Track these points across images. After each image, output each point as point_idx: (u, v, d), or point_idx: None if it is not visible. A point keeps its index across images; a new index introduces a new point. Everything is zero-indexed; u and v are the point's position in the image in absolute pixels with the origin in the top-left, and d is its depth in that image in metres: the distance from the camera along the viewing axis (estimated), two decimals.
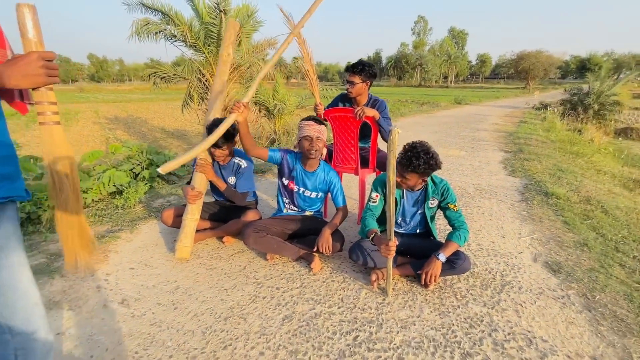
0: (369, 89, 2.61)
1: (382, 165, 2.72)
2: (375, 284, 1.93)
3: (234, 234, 2.44)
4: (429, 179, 1.97)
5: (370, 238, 1.91)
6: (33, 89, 0.92)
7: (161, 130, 14.60)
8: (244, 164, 2.36)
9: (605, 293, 1.93)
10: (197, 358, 1.46)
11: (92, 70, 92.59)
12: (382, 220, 2.10)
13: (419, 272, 1.94)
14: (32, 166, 3.12)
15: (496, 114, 13.62)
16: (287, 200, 2.38)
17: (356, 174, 2.73)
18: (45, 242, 2.45)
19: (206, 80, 6.02)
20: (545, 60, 48.27)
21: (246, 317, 1.70)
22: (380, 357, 1.48)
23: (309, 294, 1.90)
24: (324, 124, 2.21)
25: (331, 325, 1.66)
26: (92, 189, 3.27)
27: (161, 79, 6.28)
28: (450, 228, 2.03)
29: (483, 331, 1.63)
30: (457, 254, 1.92)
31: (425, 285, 1.93)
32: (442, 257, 1.86)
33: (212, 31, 5.74)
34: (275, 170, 2.33)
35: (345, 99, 2.71)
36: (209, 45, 5.92)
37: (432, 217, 2.09)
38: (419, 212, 2.06)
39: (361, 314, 1.74)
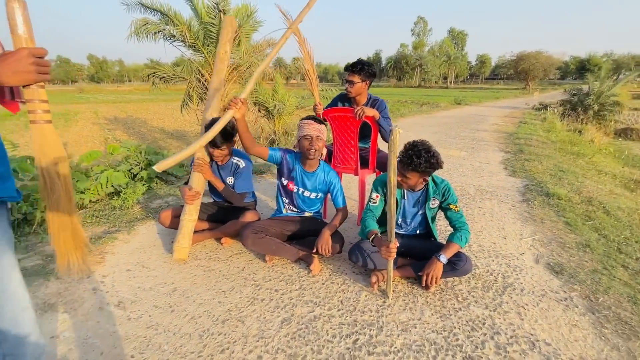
0: (368, 88, 2.58)
1: (382, 165, 2.70)
2: (375, 286, 1.90)
3: (233, 235, 2.41)
4: (429, 179, 1.94)
5: (371, 239, 1.88)
6: (24, 87, 0.90)
7: (160, 131, 14.57)
8: (242, 163, 2.33)
9: (609, 295, 1.91)
10: None
11: (92, 71, 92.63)
12: (382, 221, 2.07)
13: (419, 273, 1.92)
14: (28, 166, 3.09)
15: (496, 115, 13.60)
16: (286, 201, 2.35)
17: (356, 174, 2.70)
18: (41, 243, 2.42)
19: (205, 81, 5.99)
20: (544, 60, 48.30)
21: (244, 320, 1.67)
22: None
23: (308, 296, 1.87)
24: (323, 123, 2.19)
25: (331, 328, 1.63)
26: (89, 189, 3.24)
27: (160, 79, 6.26)
28: (451, 229, 2.00)
29: (485, 334, 1.60)
30: (458, 256, 1.89)
31: (426, 287, 1.91)
32: (444, 258, 1.83)
33: (211, 31, 5.72)
34: (275, 170, 2.31)
35: (345, 99, 2.69)
36: (208, 46, 5.90)
37: (433, 218, 2.06)
38: (420, 212, 2.03)
39: (361, 316, 1.71)
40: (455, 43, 72.92)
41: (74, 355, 1.45)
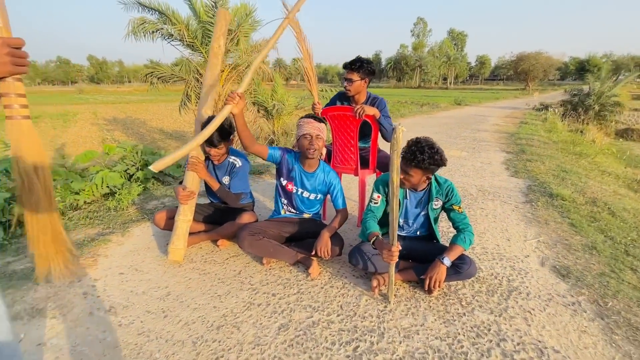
0: (367, 86, 2.52)
1: (382, 165, 2.63)
2: (376, 290, 1.83)
3: (229, 237, 2.35)
4: (432, 179, 1.88)
5: (372, 242, 1.82)
6: None
7: (159, 132, 14.51)
8: (239, 163, 2.26)
9: (618, 299, 1.84)
10: None
11: (91, 71, 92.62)
12: (383, 222, 2.01)
13: (422, 277, 1.85)
14: None
15: (496, 115, 13.55)
16: (285, 202, 2.29)
17: (356, 174, 2.64)
18: None
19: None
20: (544, 61, 48.31)
21: (240, 326, 1.61)
22: None
23: (306, 300, 1.80)
24: (323, 122, 2.13)
25: (330, 334, 1.56)
26: (84, 190, 3.17)
27: (158, 79, 6.20)
28: (454, 231, 1.94)
29: (491, 341, 1.54)
30: (462, 258, 1.83)
31: (429, 291, 1.84)
32: (447, 261, 1.76)
33: (209, 30, 5.66)
34: (273, 171, 2.25)
35: (343, 98, 2.62)
36: (206, 45, 5.83)
37: (436, 219, 2.00)
38: (422, 213, 1.97)
39: (361, 322, 1.65)
40: (455, 44, 72.92)
41: None
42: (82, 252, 2.25)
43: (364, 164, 2.64)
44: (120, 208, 3.00)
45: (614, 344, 1.53)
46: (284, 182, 2.22)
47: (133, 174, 3.68)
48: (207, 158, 2.28)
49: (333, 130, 2.58)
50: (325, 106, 2.61)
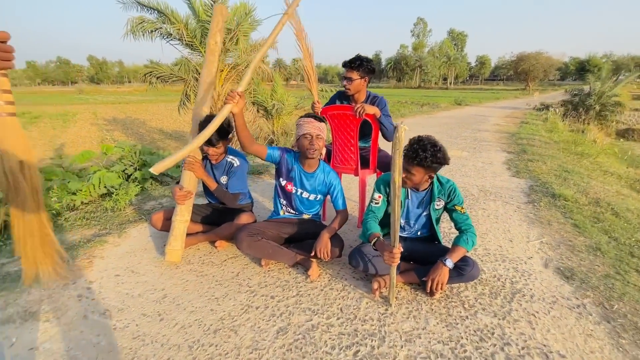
0: (367, 85, 2.48)
1: (383, 165, 2.60)
2: (377, 293, 1.79)
3: (228, 238, 2.31)
4: (434, 179, 1.84)
5: (372, 243, 1.78)
6: None
7: (159, 132, 14.48)
8: (236, 162, 2.23)
9: (624, 302, 1.80)
10: None
11: (91, 72, 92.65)
12: (384, 223, 1.97)
13: (424, 279, 1.81)
14: None
15: (497, 115, 13.51)
16: (284, 203, 2.25)
17: (356, 174, 2.60)
18: None
19: None
20: (544, 61, 48.28)
21: (237, 330, 1.57)
22: None
23: (305, 303, 1.77)
24: (323, 121, 2.09)
25: (329, 338, 1.53)
26: (81, 190, 3.14)
27: (157, 78, 6.16)
28: (455, 231, 1.90)
29: (495, 345, 1.50)
30: (464, 260, 1.79)
31: (431, 294, 1.80)
32: (450, 263, 1.72)
33: (208, 29, 5.62)
34: (273, 171, 2.21)
35: (343, 97, 2.58)
36: (205, 44, 5.80)
37: (438, 220, 1.96)
38: (424, 214, 1.93)
39: (362, 325, 1.61)
40: (455, 44, 72.92)
41: None
42: (77, 253, 2.21)
43: (364, 163, 2.60)
44: (117, 208, 2.96)
45: (621, 348, 1.50)
46: (283, 183, 2.18)
47: (131, 174, 3.65)
48: (205, 157, 2.24)
49: (333, 130, 2.55)
50: (325, 105, 2.57)
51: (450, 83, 69.56)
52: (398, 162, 1.38)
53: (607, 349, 1.49)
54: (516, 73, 51.37)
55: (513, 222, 2.86)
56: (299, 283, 1.94)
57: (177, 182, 2.18)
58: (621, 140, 11.90)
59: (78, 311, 1.69)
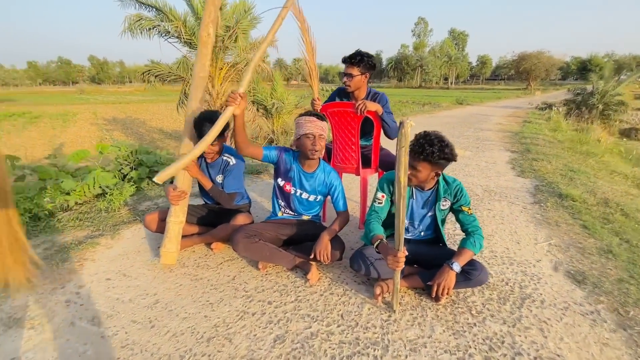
0: (367, 81, 2.39)
1: (385, 164, 2.51)
2: (379, 298, 1.70)
3: (224, 240, 2.22)
4: (440, 178, 1.76)
5: (375, 245, 1.69)
6: None
7: (159, 131, 14.42)
8: (232, 160, 2.14)
9: None
10: None
11: (92, 72, 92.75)
12: (387, 223, 1.88)
13: (429, 283, 1.72)
14: (8, 167, 2.90)
15: (499, 114, 13.40)
16: (282, 204, 2.16)
17: (357, 174, 2.51)
18: None
19: None
20: (546, 61, 48.07)
21: (232, 338, 1.48)
22: None
23: (304, 309, 1.68)
24: (324, 119, 2.00)
25: (329, 347, 1.44)
26: (75, 190, 3.05)
27: (156, 77, 6.08)
28: (460, 233, 1.81)
29: (505, 355, 1.41)
30: (472, 264, 1.70)
31: (436, 299, 1.71)
32: (457, 266, 1.63)
33: None
34: (272, 170, 2.13)
35: (343, 94, 2.50)
36: None
37: (443, 221, 1.87)
38: (429, 214, 1.84)
39: (364, 333, 1.52)
40: (456, 44, 72.77)
41: None
42: (68, 256, 2.13)
43: (366, 163, 2.51)
44: (111, 209, 2.88)
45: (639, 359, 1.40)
46: (282, 183, 2.10)
47: (127, 174, 3.56)
48: (200, 156, 2.16)
49: (333, 128, 2.46)
50: (325, 102, 2.48)
51: (452, 83, 69.40)
52: (404, 160, 1.29)
53: (626, 359, 1.40)
54: (517, 72, 51.19)
55: (519, 223, 2.76)
56: (298, 287, 1.86)
57: (171, 182, 2.10)
58: (624, 139, 11.79)
59: (65, 317, 1.61)
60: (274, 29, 1.78)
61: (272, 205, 2.22)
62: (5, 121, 14.92)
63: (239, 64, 6.19)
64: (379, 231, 1.74)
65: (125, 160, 3.74)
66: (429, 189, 1.80)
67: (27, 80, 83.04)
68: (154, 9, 5.63)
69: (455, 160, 1.65)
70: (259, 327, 1.55)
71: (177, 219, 2.04)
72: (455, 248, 1.81)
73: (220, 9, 5.31)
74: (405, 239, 1.88)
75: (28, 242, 0.89)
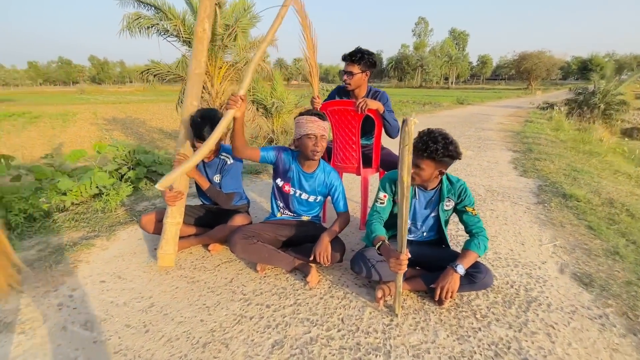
0: (368, 79, 2.34)
1: (386, 164, 2.46)
2: (381, 302, 1.65)
3: (222, 241, 2.17)
4: (444, 177, 1.71)
5: (377, 247, 1.64)
6: None
7: (159, 131, 14.38)
8: (230, 160, 2.09)
9: None
10: None
11: (93, 72, 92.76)
12: (389, 224, 1.83)
13: (432, 286, 1.67)
14: (1, 166, 2.86)
15: (500, 114, 13.34)
16: (281, 205, 2.11)
17: (358, 174, 2.46)
18: None
19: None
20: (547, 60, 47.95)
21: (229, 343, 1.43)
22: None
23: (304, 313, 1.63)
24: (326, 119, 1.94)
25: (330, 353, 1.39)
26: (71, 190, 3.01)
27: (154, 76, 6.03)
28: (462, 234, 1.76)
29: None
30: (476, 266, 1.65)
31: (440, 302, 1.66)
32: (461, 269, 1.58)
33: None
34: (272, 170, 2.08)
35: (342, 92, 2.44)
36: None
37: (446, 222, 1.82)
38: (432, 215, 1.79)
39: (365, 338, 1.47)
40: (456, 43, 72.70)
41: None
42: (62, 257, 2.08)
43: (367, 162, 2.46)
44: (108, 209, 2.83)
45: None
46: (281, 183, 2.05)
47: (125, 174, 3.52)
48: None
49: (333, 126, 2.41)
50: (324, 101, 2.43)
51: (452, 82, 69.33)
52: (407, 159, 1.24)
53: None
54: (518, 72, 51.06)
55: (523, 223, 2.71)
56: (297, 290, 1.81)
57: None
58: (626, 139, 11.73)
59: (57, 322, 1.56)
60: (273, 28, 1.74)
61: (271, 206, 2.17)
62: (5, 121, 14.87)
63: (239, 63, 6.14)
64: (381, 232, 1.69)
65: (123, 160, 3.69)
66: (432, 189, 1.74)
67: (27, 80, 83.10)
68: (153, 8, 5.59)
69: (460, 159, 1.60)
70: (257, 331, 1.50)
71: (174, 220, 2.00)
72: (457, 249, 1.76)
73: (220, 7, 5.26)
74: (407, 240, 1.84)
75: (11, 246, 0.84)
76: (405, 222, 1.42)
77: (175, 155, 1.92)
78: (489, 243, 2.31)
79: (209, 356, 1.37)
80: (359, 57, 2.23)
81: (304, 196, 2.04)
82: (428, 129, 1.59)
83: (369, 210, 1.93)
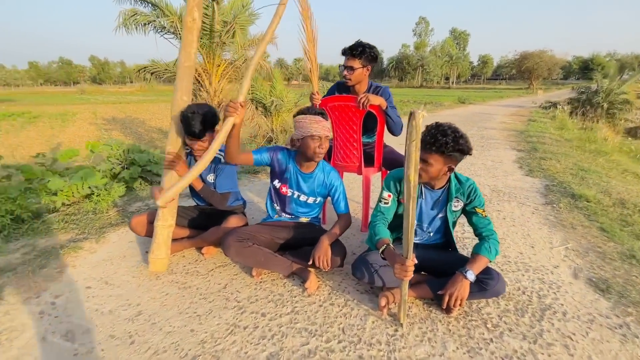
0: (369, 75, 2.23)
1: (389, 163, 2.35)
2: (385, 310, 1.54)
3: (216, 244, 2.06)
4: (452, 176, 1.59)
5: (381, 250, 1.52)
6: None
7: (158, 131, 14.29)
8: (224, 158, 1.98)
9: None
10: None
11: (93, 72, 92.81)
12: (393, 225, 1.72)
13: (439, 292, 1.56)
14: None
15: (502, 113, 13.22)
16: (277, 208, 2.00)
17: (359, 173, 2.35)
18: None
19: (198, 75, 5.65)
20: (548, 60, 47.81)
21: (220, 356, 1.32)
22: None
23: (302, 322, 1.52)
24: (327, 118, 1.83)
25: None
26: (62, 190, 2.90)
27: (152, 74, 5.93)
28: (470, 237, 1.64)
29: None
30: (487, 272, 1.54)
31: (448, 310, 1.55)
32: (471, 275, 1.47)
33: (204, 22, 5.38)
34: (270, 169, 1.97)
35: (342, 88, 2.33)
36: (201, 39, 5.56)
37: (454, 224, 1.71)
38: (440, 216, 1.68)
39: (368, 351, 1.36)
40: (457, 43, 72.49)
41: None
42: (47, 261, 1.98)
43: (368, 161, 2.35)
44: (99, 211, 2.73)
45: None
46: (278, 185, 1.94)
47: (118, 173, 3.41)
48: (189, 153, 2.01)
49: (333, 124, 2.30)
50: (324, 97, 2.32)
51: (453, 82, 69.17)
52: (414, 156, 1.13)
53: None
54: (519, 72, 50.92)
55: (532, 225, 2.60)
56: (295, 297, 1.69)
57: (160, 183, 1.94)
58: (630, 138, 11.60)
59: (37, 331, 1.45)
60: (272, 28, 1.64)
61: (267, 207, 2.06)
62: (4, 121, 14.78)
63: (237, 60, 6.03)
64: (385, 234, 1.58)
65: (117, 159, 3.58)
66: (440, 188, 1.63)
67: (28, 80, 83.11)
68: (150, 4, 5.49)
69: (471, 154, 1.49)
70: (251, 343, 1.39)
71: (166, 223, 1.88)
72: (463, 252, 1.65)
73: (218, 3, 5.16)
74: (413, 243, 1.72)
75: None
76: (412, 224, 1.31)
77: (166, 154, 1.81)
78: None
79: None
80: (359, 50, 2.12)
81: (303, 198, 1.93)
82: (436, 122, 1.48)
83: (371, 211, 1.83)
